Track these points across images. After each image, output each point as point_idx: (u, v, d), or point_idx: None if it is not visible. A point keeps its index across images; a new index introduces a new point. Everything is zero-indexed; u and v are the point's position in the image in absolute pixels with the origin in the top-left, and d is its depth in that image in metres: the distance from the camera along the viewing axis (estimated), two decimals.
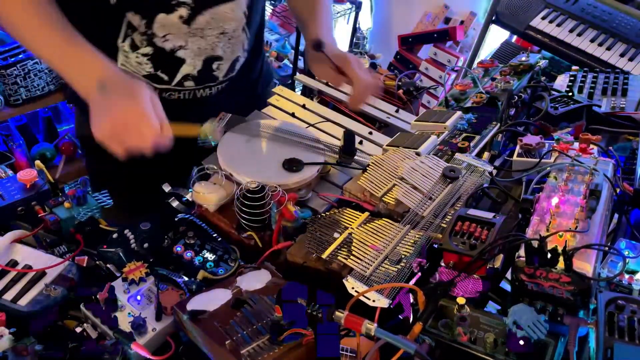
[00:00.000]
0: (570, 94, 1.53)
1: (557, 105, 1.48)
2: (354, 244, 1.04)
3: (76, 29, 1.12)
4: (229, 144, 1.31)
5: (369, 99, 1.36)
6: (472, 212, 1.03)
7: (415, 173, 1.17)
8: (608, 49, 2.24)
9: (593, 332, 0.87)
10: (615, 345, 0.82)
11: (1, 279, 1.04)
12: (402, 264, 0.98)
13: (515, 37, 2.66)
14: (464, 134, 1.37)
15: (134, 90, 1.03)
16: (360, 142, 1.45)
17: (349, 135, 1.32)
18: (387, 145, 1.31)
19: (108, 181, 1.39)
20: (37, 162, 1.26)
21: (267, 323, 0.91)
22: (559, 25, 2.36)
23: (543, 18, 2.40)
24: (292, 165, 1.25)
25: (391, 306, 0.92)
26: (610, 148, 1.32)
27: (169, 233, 1.15)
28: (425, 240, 1.02)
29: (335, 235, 1.06)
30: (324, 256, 1.02)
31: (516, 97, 1.51)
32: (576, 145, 1.22)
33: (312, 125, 1.49)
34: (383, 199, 1.13)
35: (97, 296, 1.00)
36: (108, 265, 1.11)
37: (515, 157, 1.24)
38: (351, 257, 1.01)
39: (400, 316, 0.96)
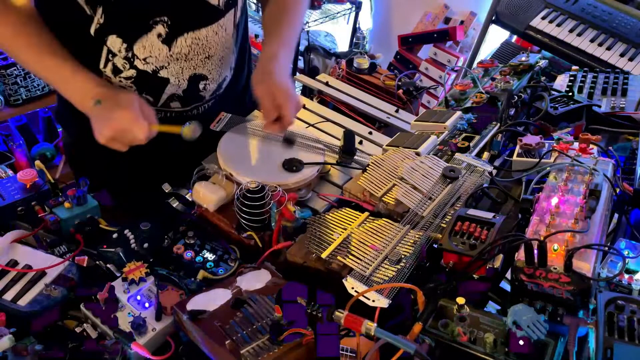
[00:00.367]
0: (570, 94, 1.53)
1: (557, 105, 1.48)
2: (353, 244, 1.04)
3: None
4: (229, 144, 1.31)
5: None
6: (472, 212, 1.04)
7: (415, 173, 1.17)
8: (608, 49, 2.24)
9: (593, 332, 0.87)
10: (615, 345, 0.82)
11: (1, 279, 1.04)
12: (402, 264, 0.98)
13: (515, 37, 2.66)
14: (464, 134, 1.37)
15: (125, 101, 1.17)
16: (360, 142, 1.45)
17: (349, 135, 1.32)
18: (387, 145, 1.31)
19: (109, 181, 1.39)
20: (37, 162, 1.26)
21: (267, 323, 0.91)
22: (559, 25, 2.36)
23: (543, 18, 2.40)
24: (292, 165, 1.25)
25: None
26: (610, 148, 1.32)
27: (169, 233, 1.15)
28: (425, 240, 1.02)
29: (335, 235, 1.06)
30: (324, 256, 1.02)
31: (516, 97, 1.51)
32: (576, 145, 1.22)
33: (312, 125, 1.49)
34: (383, 199, 1.13)
35: (97, 296, 1.00)
36: (108, 265, 1.11)
37: (515, 157, 1.24)
38: (351, 257, 1.01)
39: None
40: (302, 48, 3.31)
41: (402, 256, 0.99)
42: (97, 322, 0.98)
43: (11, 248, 1.10)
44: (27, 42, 1.20)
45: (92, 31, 1.24)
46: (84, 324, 0.99)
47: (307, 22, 3.33)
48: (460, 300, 0.89)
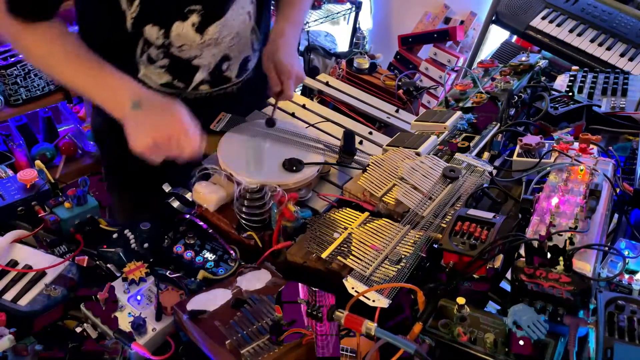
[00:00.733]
0: (570, 94, 1.53)
1: (557, 105, 1.48)
2: (354, 244, 1.04)
3: (97, 53, 1.19)
4: (229, 144, 1.31)
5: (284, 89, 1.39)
6: (472, 212, 1.03)
7: (415, 173, 1.17)
8: (608, 49, 2.24)
9: (593, 332, 0.87)
10: (615, 345, 0.82)
11: (1, 279, 1.05)
12: (402, 264, 0.98)
13: (515, 37, 2.66)
14: (464, 134, 1.37)
15: (172, 106, 1.11)
16: (360, 142, 1.45)
17: (349, 135, 1.32)
18: (387, 145, 1.31)
19: (122, 172, 1.48)
20: (37, 162, 1.27)
21: (267, 323, 0.91)
22: (559, 25, 2.36)
23: (543, 18, 2.40)
24: (292, 165, 1.25)
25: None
26: (610, 148, 1.32)
27: (169, 233, 1.15)
28: (425, 240, 1.02)
29: (335, 235, 1.06)
30: (324, 256, 1.02)
31: (516, 97, 1.51)
32: (576, 145, 1.22)
33: (312, 125, 1.49)
34: (383, 199, 1.13)
35: (97, 296, 1.00)
36: (108, 265, 1.11)
37: (515, 157, 1.24)
38: (351, 257, 1.01)
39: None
40: (302, 48, 3.31)
41: (402, 256, 0.99)
42: (97, 322, 0.98)
43: (11, 248, 1.10)
44: (62, 50, 1.18)
45: (128, 25, 1.25)
46: (84, 324, 0.99)
47: (307, 22, 3.32)
48: (460, 300, 0.89)
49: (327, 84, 1.74)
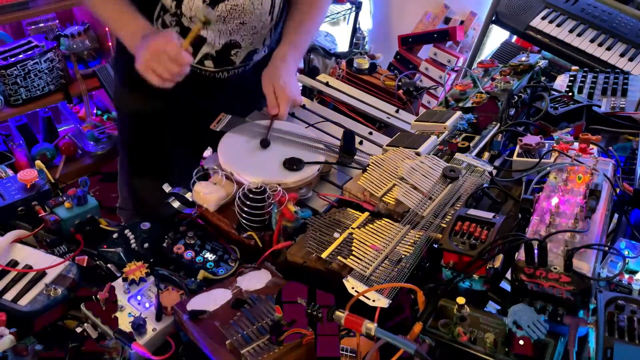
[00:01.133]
0: (570, 94, 1.53)
1: (557, 105, 1.48)
2: (354, 244, 1.04)
3: None
4: (229, 144, 1.31)
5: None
6: (472, 212, 1.03)
7: (415, 173, 1.17)
8: (608, 49, 2.24)
9: (593, 332, 0.87)
10: (615, 345, 0.82)
11: (1, 279, 1.05)
12: (402, 264, 0.98)
13: (515, 37, 2.66)
14: (464, 134, 1.37)
15: (163, 33, 1.37)
16: (360, 142, 1.45)
17: (349, 135, 1.32)
18: (387, 145, 1.31)
19: (146, 149, 1.63)
20: (38, 162, 1.27)
21: (267, 323, 0.91)
22: (559, 25, 2.36)
23: (543, 18, 2.40)
24: (292, 164, 1.25)
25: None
26: (610, 148, 1.32)
27: (169, 233, 1.15)
28: (425, 240, 1.02)
29: (335, 235, 1.06)
30: (324, 256, 1.02)
31: (516, 97, 1.51)
32: (576, 145, 1.22)
33: (312, 125, 1.49)
34: (383, 199, 1.13)
35: (97, 296, 1.00)
36: (108, 265, 1.11)
37: (515, 157, 1.24)
38: (351, 257, 1.01)
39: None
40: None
41: (402, 256, 0.99)
42: (97, 322, 0.98)
43: (11, 248, 1.10)
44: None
45: None
46: (84, 324, 0.99)
47: None
48: (460, 300, 0.89)
49: (327, 84, 1.74)
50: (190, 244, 1.13)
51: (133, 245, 1.12)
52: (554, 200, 1.01)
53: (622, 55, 2.20)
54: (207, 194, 1.16)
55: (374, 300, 0.91)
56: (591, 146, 1.21)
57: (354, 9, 3.53)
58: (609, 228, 1.15)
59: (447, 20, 3.34)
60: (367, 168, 1.20)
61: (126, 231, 1.15)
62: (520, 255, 0.89)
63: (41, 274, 1.05)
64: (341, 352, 0.87)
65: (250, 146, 1.32)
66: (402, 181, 1.16)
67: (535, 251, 0.87)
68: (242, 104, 1.52)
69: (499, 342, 0.85)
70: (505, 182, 1.22)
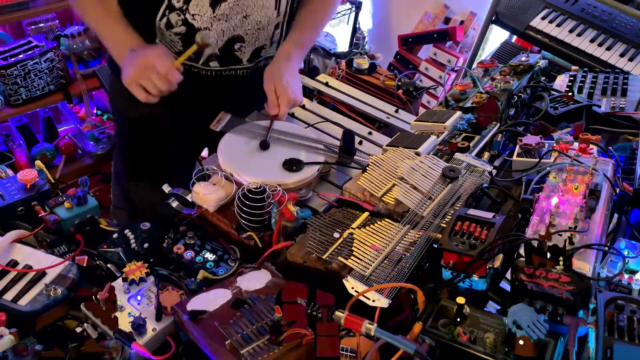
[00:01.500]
0: (570, 93, 1.53)
1: (557, 105, 1.48)
2: (354, 244, 1.04)
3: (123, 9, 1.40)
4: (228, 144, 1.31)
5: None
6: (472, 212, 1.03)
7: (415, 173, 1.17)
8: (608, 49, 2.24)
9: (593, 332, 0.87)
10: (615, 345, 0.82)
11: (1, 279, 1.05)
12: (402, 264, 0.98)
13: (515, 37, 2.66)
14: (464, 134, 1.37)
15: (155, 47, 1.36)
16: (360, 142, 1.45)
17: (349, 135, 1.32)
18: (387, 146, 1.31)
19: (142, 152, 1.60)
20: (37, 162, 1.27)
21: (267, 323, 0.91)
22: (559, 25, 2.36)
23: (543, 18, 2.40)
24: (292, 164, 1.25)
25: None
26: (610, 148, 1.32)
27: (169, 233, 1.15)
28: (425, 240, 1.02)
29: (335, 235, 1.06)
30: (324, 256, 1.02)
31: (516, 97, 1.51)
32: (576, 145, 1.22)
33: (312, 126, 1.49)
34: (383, 199, 1.13)
35: (97, 296, 1.00)
36: (108, 265, 1.11)
37: (515, 157, 1.24)
38: (351, 257, 1.01)
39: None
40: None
41: (402, 256, 0.99)
42: (97, 322, 0.98)
43: (11, 248, 1.10)
44: (99, 6, 1.38)
45: None
46: (84, 324, 0.99)
47: None
48: (460, 300, 0.89)
49: (327, 84, 1.74)
50: (190, 244, 1.13)
51: (133, 245, 1.12)
52: (554, 200, 1.01)
53: (622, 55, 2.20)
54: (206, 195, 1.16)
55: (373, 300, 0.91)
56: (591, 146, 1.21)
57: (354, 9, 3.53)
58: (609, 228, 1.15)
59: (447, 20, 3.34)
60: (367, 168, 1.20)
61: (126, 231, 1.15)
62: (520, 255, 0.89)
63: (41, 274, 1.05)
64: (341, 352, 0.87)
65: (249, 147, 1.32)
66: (401, 181, 1.16)
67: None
68: (246, 105, 1.50)
69: (499, 342, 0.85)
70: (505, 182, 1.22)
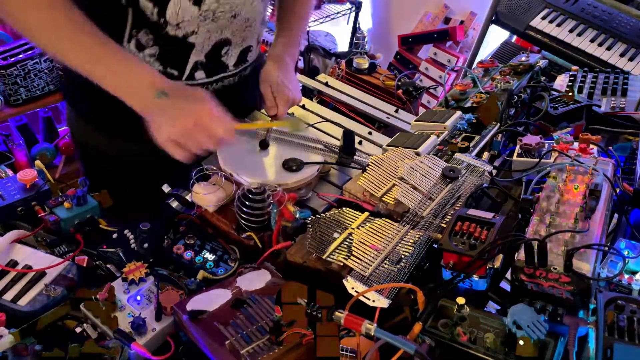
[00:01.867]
0: (570, 93, 1.53)
1: (557, 105, 1.48)
2: (354, 244, 1.04)
3: None
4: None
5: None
6: (471, 212, 1.03)
7: (415, 173, 1.17)
8: (608, 49, 2.24)
9: (593, 332, 0.87)
10: (615, 345, 0.82)
11: (1, 279, 1.05)
12: (402, 264, 0.98)
13: (515, 37, 2.66)
14: (464, 134, 1.37)
15: (200, 94, 1.10)
16: (360, 142, 1.45)
17: (349, 135, 1.32)
18: (386, 145, 1.31)
19: (107, 182, 1.31)
20: (37, 162, 1.27)
21: (267, 323, 0.91)
22: (559, 25, 2.36)
23: (543, 18, 2.40)
24: (291, 164, 1.25)
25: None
26: (610, 148, 1.32)
27: (169, 233, 1.15)
28: (425, 240, 1.02)
29: (335, 235, 1.06)
30: (324, 256, 1.02)
31: (516, 97, 1.51)
32: (576, 145, 1.22)
33: (312, 126, 1.49)
34: (383, 199, 1.13)
35: (97, 296, 1.00)
36: (108, 265, 1.11)
37: (515, 157, 1.24)
38: (351, 257, 1.01)
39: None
40: (302, 48, 3.31)
41: (402, 256, 0.99)
42: (97, 322, 0.98)
43: (11, 248, 1.10)
44: (69, 29, 1.05)
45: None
46: (84, 324, 0.99)
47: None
48: (460, 300, 0.89)
49: (326, 84, 1.74)
50: (190, 244, 1.13)
51: (133, 245, 1.12)
52: (554, 201, 1.01)
53: (622, 55, 2.21)
54: (206, 195, 1.16)
55: (373, 301, 0.91)
56: (591, 146, 1.21)
57: (354, 9, 3.54)
58: (609, 228, 1.15)
59: (447, 20, 3.35)
60: (367, 168, 1.20)
61: (126, 231, 1.15)
62: (520, 255, 0.89)
63: (41, 274, 1.05)
64: (341, 352, 0.87)
65: (249, 147, 1.32)
66: (401, 181, 1.16)
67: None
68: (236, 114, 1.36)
69: (499, 342, 0.85)
70: (505, 182, 1.22)
